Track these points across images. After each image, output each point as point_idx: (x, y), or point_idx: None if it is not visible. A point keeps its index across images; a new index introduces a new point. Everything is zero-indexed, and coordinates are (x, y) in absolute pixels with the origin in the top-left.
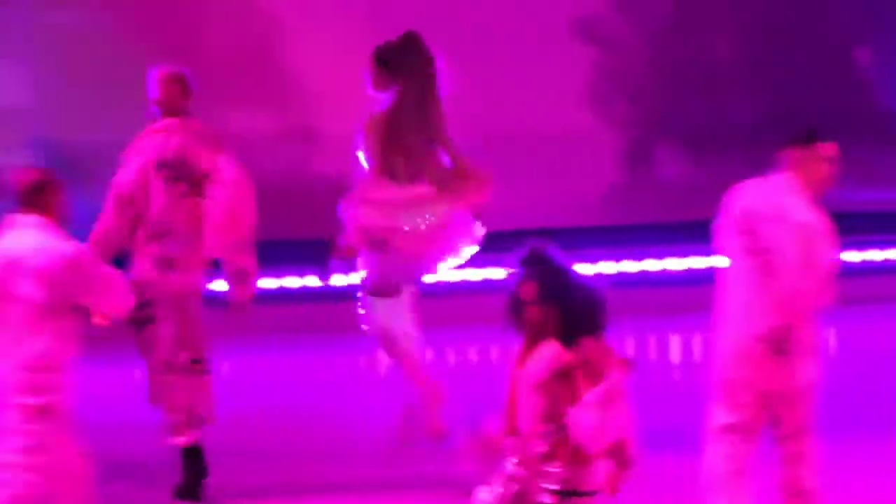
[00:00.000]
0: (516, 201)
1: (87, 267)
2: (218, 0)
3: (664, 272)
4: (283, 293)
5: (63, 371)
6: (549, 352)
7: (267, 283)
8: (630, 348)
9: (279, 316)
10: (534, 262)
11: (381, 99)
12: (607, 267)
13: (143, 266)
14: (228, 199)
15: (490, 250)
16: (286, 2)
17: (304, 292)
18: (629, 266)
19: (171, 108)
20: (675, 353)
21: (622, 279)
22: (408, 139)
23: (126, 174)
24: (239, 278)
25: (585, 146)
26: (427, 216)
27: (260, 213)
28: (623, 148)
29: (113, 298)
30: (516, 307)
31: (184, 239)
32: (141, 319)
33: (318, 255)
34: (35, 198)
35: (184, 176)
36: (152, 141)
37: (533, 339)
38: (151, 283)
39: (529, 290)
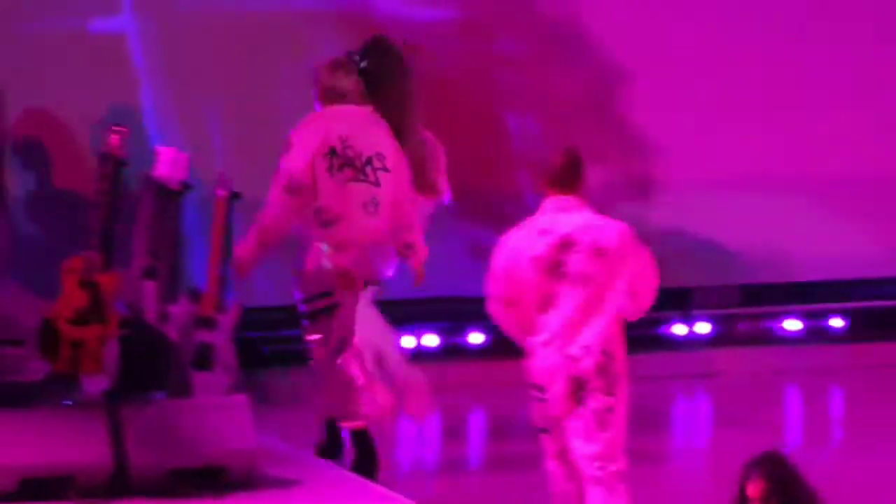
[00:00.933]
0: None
1: (636, 243)
2: (565, 47)
3: None
4: None
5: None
6: None
7: None
8: None
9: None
10: (766, 462)
11: None
12: None
13: (316, 255)
14: (393, 186)
15: (838, 298)
16: (631, 50)
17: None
18: None
19: (335, 94)
20: None
21: None
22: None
23: (294, 162)
24: (407, 253)
25: None
26: None
27: None
28: None
29: (649, 282)
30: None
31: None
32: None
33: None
34: (568, 178)
35: (348, 162)
36: (318, 128)
37: None
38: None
39: (757, 488)
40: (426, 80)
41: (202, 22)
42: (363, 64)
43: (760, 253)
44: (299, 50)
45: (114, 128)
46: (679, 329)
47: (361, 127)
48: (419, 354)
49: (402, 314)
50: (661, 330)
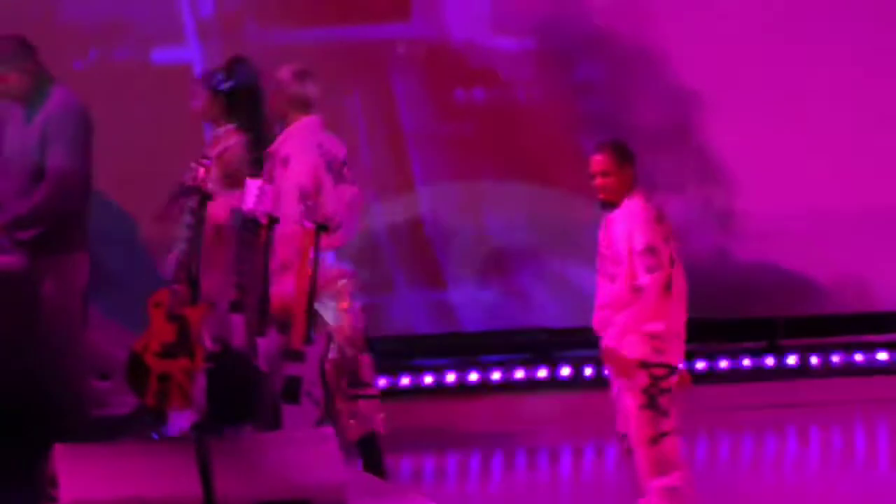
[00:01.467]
0: None
1: None
2: (644, 76)
3: None
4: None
5: None
6: None
7: None
8: None
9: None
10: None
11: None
12: None
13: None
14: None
15: None
16: (710, 79)
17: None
18: None
19: (305, 102)
20: None
21: None
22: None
23: (301, 175)
24: None
25: None
26: None
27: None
28: None
29: None
30: None
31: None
32: None
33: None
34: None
35: (329, 167)
36: (311, 140)
37: None
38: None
39: None
40: (505, 109)
41: (269, 51)
42: (229, 83)
43: (845, 283)
44: (371, 78)
45: (200, 160)
46: (767, 360)
47: (328, 132)
48: (505, 386)
49: (485, 345)
50: (749, 360)
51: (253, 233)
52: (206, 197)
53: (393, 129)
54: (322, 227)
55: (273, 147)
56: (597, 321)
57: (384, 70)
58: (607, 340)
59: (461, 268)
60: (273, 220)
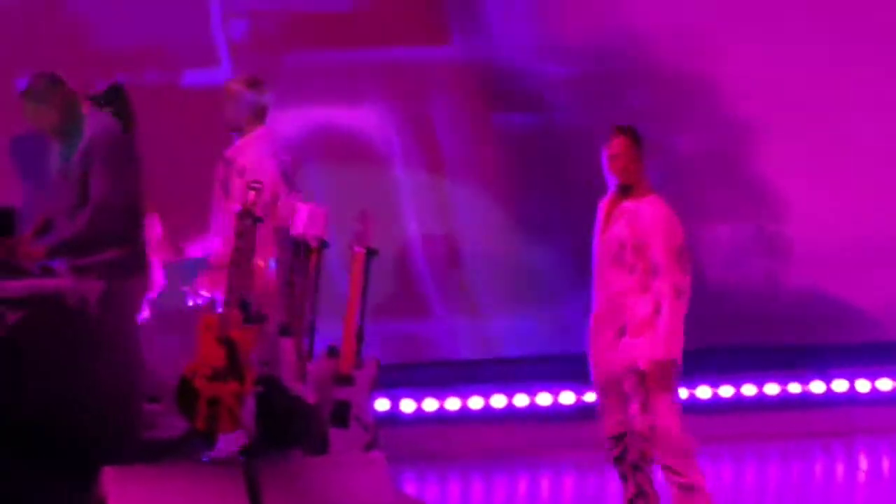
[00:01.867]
0: None
1: None
2: (693, 102)
3: None
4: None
5: None
6: None
7: (726, 390)
8: None
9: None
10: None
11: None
12: None
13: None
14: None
15: None
16: (760, 106)
17: (760, 400)
18: None
19: (263, 111)
20: None
21: None
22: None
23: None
24: None
25: None
26: None
27: (717, 319)
28: None
29: None
30: None
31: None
32: None
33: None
34: None
35: (287, 176)
36: (270, 151)
37: None
38: None
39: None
40: (546, 135)
41: (306, 73)
42: (108, 109)
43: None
44: (409, 102)
45: (251, 184)
46: (816, 387)
47: (283, 142)
48: (554, 414)
49: (537, 372)
50: (799, 388)
51: (303, 256)
52: (257, 220)
53: (431, 154)
54: (372, 253)
55: (230, 154)
56: (605, 311)
57: (423, 93)
58: (659, 353)
59: (499, 294)
60: (323, 244)
